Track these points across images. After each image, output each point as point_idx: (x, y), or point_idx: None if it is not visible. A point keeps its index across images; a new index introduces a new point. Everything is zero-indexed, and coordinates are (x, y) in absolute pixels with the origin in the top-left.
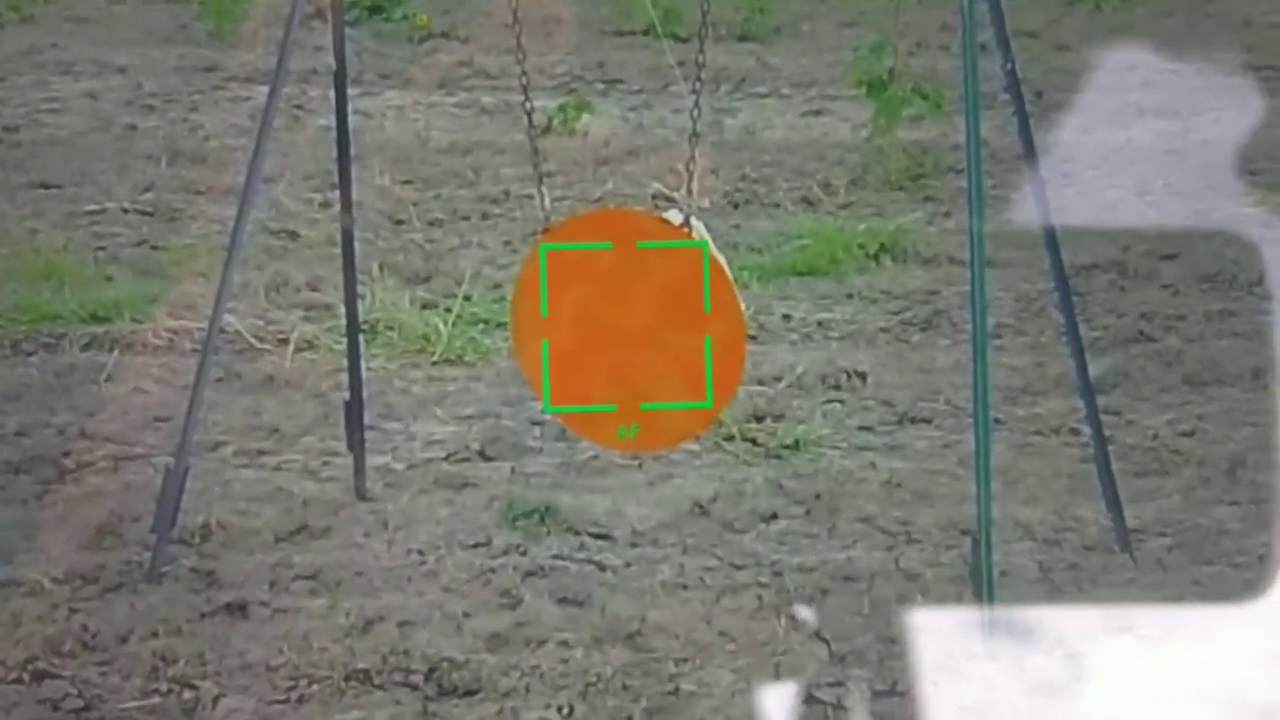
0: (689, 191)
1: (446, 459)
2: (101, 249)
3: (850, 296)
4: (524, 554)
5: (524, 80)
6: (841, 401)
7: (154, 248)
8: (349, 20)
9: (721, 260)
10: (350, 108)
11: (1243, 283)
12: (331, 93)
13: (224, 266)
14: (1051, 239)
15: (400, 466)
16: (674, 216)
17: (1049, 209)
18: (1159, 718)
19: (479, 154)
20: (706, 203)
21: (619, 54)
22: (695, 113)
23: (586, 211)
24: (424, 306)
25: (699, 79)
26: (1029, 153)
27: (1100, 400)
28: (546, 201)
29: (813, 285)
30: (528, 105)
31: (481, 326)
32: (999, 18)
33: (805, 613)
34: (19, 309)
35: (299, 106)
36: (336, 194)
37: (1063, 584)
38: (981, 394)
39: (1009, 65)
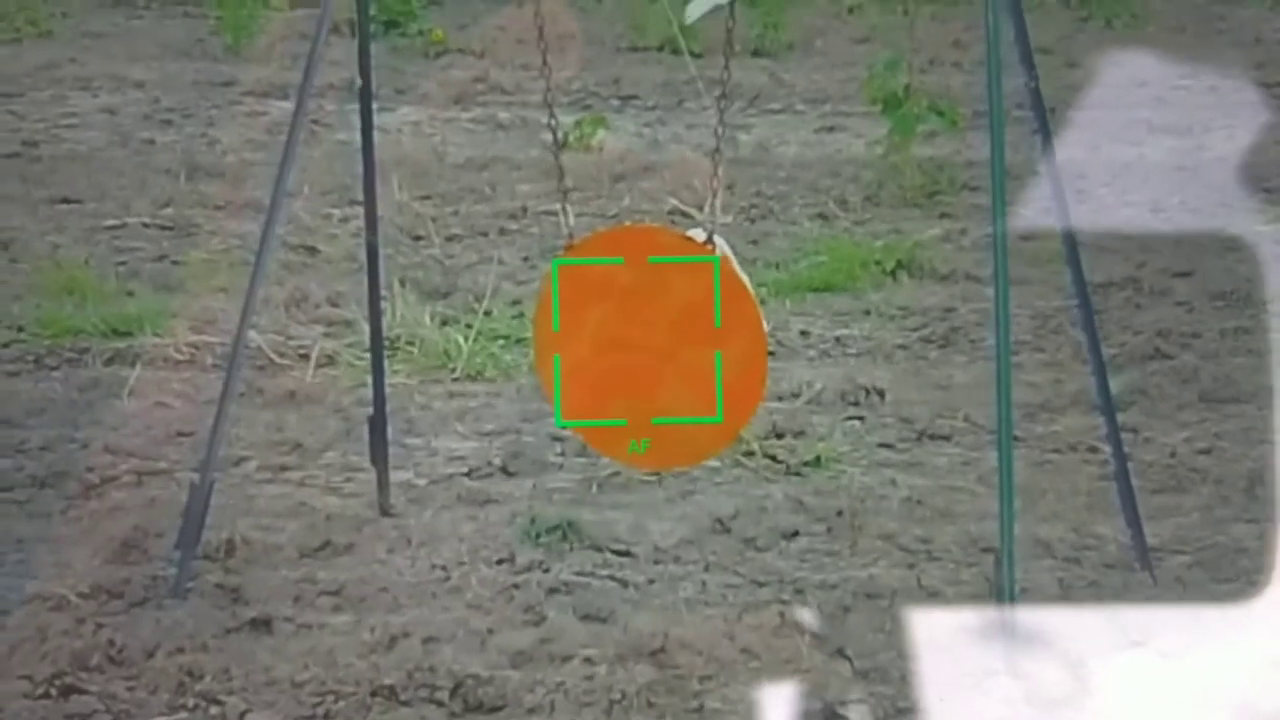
0: (711, 208)
1: (469, 475)
2: (122, 263)
3: (868, 313)
4: (547, 570)
5: (549, 98)
6: (861, 418)
7: (174, 262)
8: None
9: (744, 277)
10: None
11: (1257, 300)
12: (348, 107)
13: (250, 281)
14: (1074, 256)
15: (422, 482)
16: (697, 234)
17: (1071, 226)
18: None
19: (496, 169)
20: (729, 219)
21: (633, 70)
22: (720, 130)
23: (606, 228)
24: (444, 322)
25: (723, 96)
26: (1051, 169)
27: (1117, 417)
28: (570, 218)
29: (830, 301)
30: (552, 123)
31: (501, 342)
32: (1023, 35)
33: (809, 616)
34: (41, 323)
35: (316, 121)
36: (355, 209)
37: (1082, 601)
38: (1004, 410)
39: (1033, 82)
